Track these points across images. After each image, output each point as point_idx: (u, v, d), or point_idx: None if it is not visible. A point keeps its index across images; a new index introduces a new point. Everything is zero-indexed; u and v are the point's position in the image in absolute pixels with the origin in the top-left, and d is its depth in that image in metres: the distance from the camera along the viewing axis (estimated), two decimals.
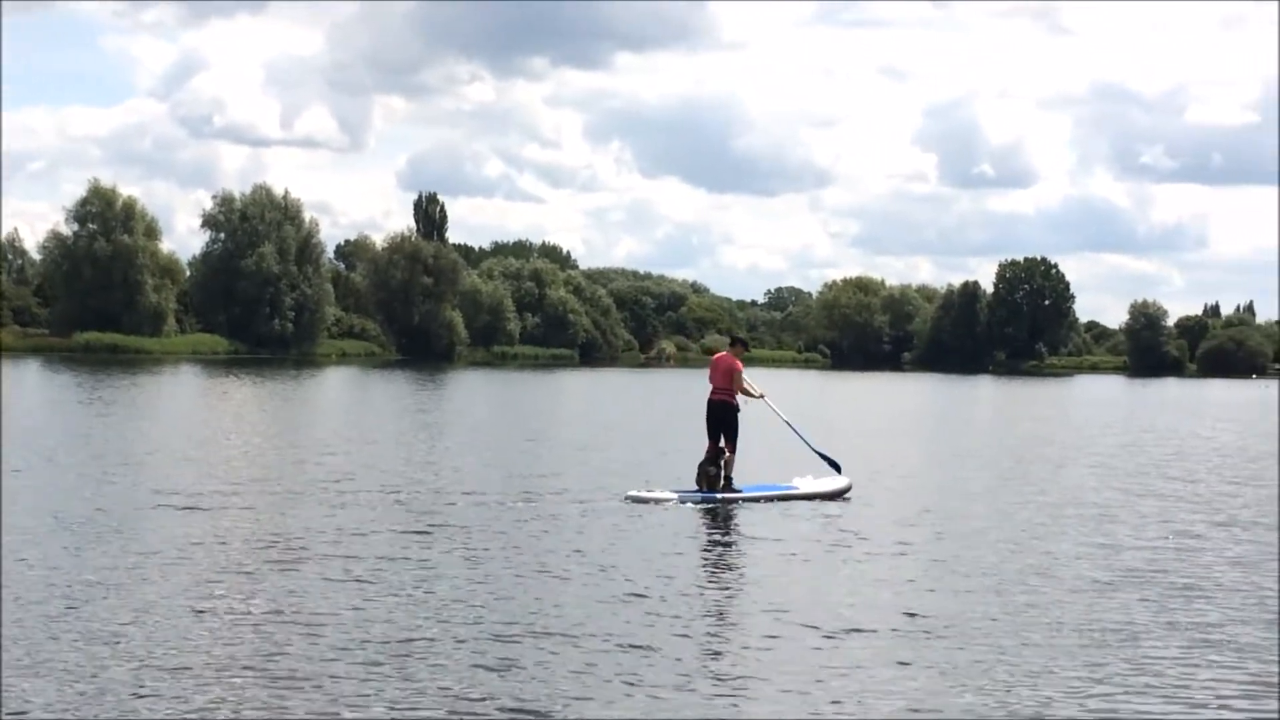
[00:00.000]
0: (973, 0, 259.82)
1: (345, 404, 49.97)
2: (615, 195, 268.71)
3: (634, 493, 20.49)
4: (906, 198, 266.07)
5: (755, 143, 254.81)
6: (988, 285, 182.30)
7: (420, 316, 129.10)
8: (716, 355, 22.12)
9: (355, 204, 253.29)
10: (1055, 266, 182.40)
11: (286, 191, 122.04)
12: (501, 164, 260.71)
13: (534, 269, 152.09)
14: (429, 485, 21.39)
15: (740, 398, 21.49)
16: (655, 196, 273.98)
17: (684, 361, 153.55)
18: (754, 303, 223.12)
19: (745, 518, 19.04)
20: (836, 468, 22.14)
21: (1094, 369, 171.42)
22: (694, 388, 78.24)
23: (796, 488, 21.48)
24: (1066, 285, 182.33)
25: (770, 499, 20.90)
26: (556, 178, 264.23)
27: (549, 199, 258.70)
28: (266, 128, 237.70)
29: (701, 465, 21.14)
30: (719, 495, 20.63)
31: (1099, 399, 75.78)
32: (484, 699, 9.59)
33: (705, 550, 16.37)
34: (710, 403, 21.47)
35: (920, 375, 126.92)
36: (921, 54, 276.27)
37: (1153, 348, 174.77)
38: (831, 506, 20.42)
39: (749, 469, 22.22)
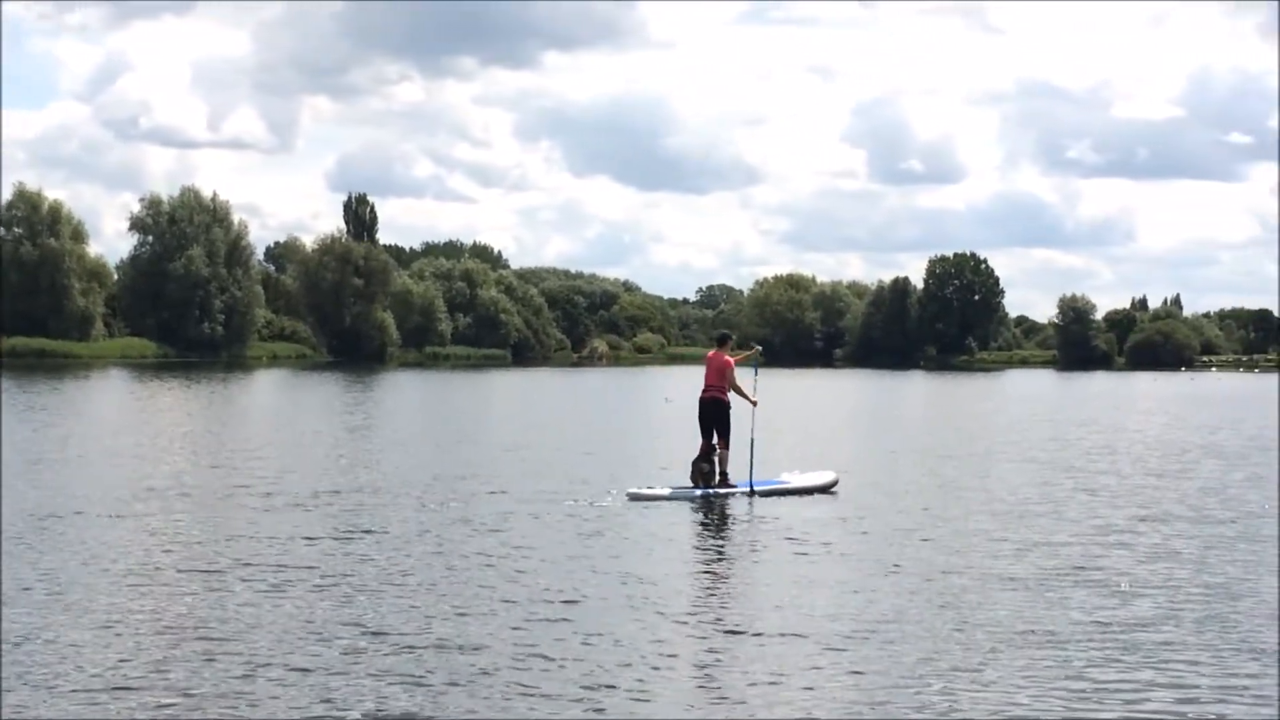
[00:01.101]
0: None
1: (274, 407, 49.57)
2: (546, 194, 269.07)
3: (634, 490, 20.85)
4: (836, 195, 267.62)
5: (685, 141, 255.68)
6: (918, 281, 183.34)
7: (351, 318, 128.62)
8: (710, 354, 22.30)
9: (284, 206, 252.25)
10: (985, 262, 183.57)
11: (215, 193, 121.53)
12: (431, 164, 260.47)
13: (465, 269, 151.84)
14: (352, 489, 21.21)
15: (731, 394, 21.82)
16: (586, 195, 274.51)
17: (616, 360, 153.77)
18: (685, 301, 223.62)
19: (728, 513, 19.36)
20: (751, 492, 21.37)
21: (1024, 363, 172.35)
22: (625, 385, 78.42)
23: (786, 482, 21.86)
24: (996, 280, 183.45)
25: (764, 494, 21.23)
26: (487, 177, 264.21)
27: (479, 199, 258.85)
28: (194, 130, 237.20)
29: (695, 462, 21.57)
30: (715, 490, 21.07)
31: (1030, 394, 76.17)
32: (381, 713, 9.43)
33: (628, 553, 16.21)
34: (702, 401, 21.82)
35: (852, 372, 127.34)
36: (850, 52, 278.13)
37: (1081, 342, 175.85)
38: (800, 505, 20.47)
39: (736, 466, 22.30)
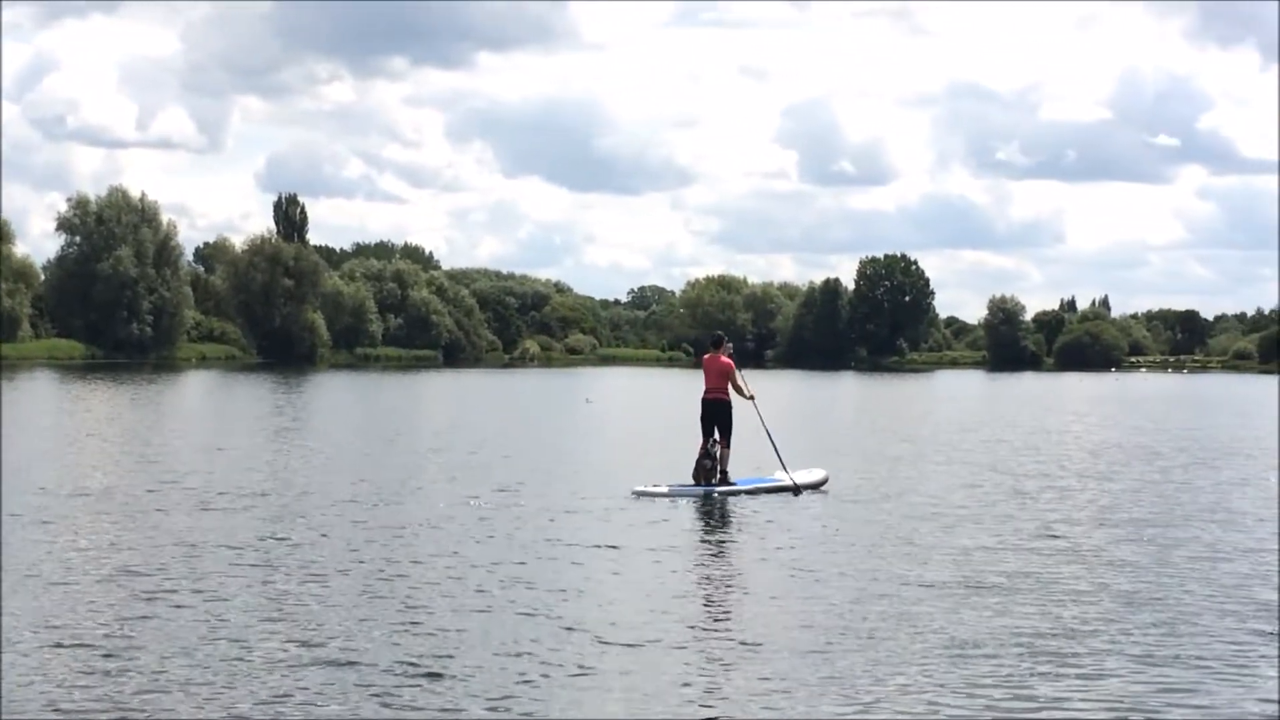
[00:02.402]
0: (831, 0, 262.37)
1: (201, 409, 49.26)
2: (477, 195, 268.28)
3: (639, 488, 21.64)
4: (768, 196, 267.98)
5: (617, 142, 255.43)
6: (849, 282, 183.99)
7: (281, 319, 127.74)
8: (707, 356, 23.14)
9: (214, 206, 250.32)
10: (915, 263, 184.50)
11: (143, 193, 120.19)
12: (362, 164, 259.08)
13: (396, 270, 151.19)
14: (276, 493, 21.15)
15: (732, 393, 22.62)
16: (517, 196, 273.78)
17: (548, 361, 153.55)
18: (617, 302, 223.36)
19: (701, 512, 19.12)
20: (796, 490, 22.19)
21: (954, 364, 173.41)
22: (551, 387, 78.33)
23: (781, 480, 22.55)
24: (926, 282, 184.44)
25: (762, 491, 22.11)
26: (418, 178, 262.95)
27: (410, 199, 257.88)
28: (122, 129, 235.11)
29: (698, 461, 22.29)
30: (716, 488, 21.85)
31: (960, 394, 76.71)
32: None
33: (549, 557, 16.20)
34: (705, 401, 22.68)
35: (783, 373, 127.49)
36: (781, 53, 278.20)
37: (1011, 343, 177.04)
38: (756, 505, 20.71)
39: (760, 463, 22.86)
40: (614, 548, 16.52)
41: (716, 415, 22.52)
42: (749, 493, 22.00)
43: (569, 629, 12.01)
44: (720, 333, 24.36)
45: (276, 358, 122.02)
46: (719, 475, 22.18)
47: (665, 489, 21.65)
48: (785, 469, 22.78)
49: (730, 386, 22.65)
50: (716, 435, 22.45)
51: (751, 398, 22.64)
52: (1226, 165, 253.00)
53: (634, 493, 21.44)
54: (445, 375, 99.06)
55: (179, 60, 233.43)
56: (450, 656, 10.98)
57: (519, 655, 11.03)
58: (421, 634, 11.73)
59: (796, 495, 21.92)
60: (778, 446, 23.01)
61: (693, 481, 22.10)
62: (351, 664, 10.73)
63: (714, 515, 19.74)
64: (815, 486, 22.69)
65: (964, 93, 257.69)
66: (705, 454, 22.29)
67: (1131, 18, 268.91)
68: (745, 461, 23.59)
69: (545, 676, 10.44)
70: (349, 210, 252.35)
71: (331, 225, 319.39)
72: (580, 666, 10.76)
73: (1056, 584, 14.28)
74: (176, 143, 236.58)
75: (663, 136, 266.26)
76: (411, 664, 10.73)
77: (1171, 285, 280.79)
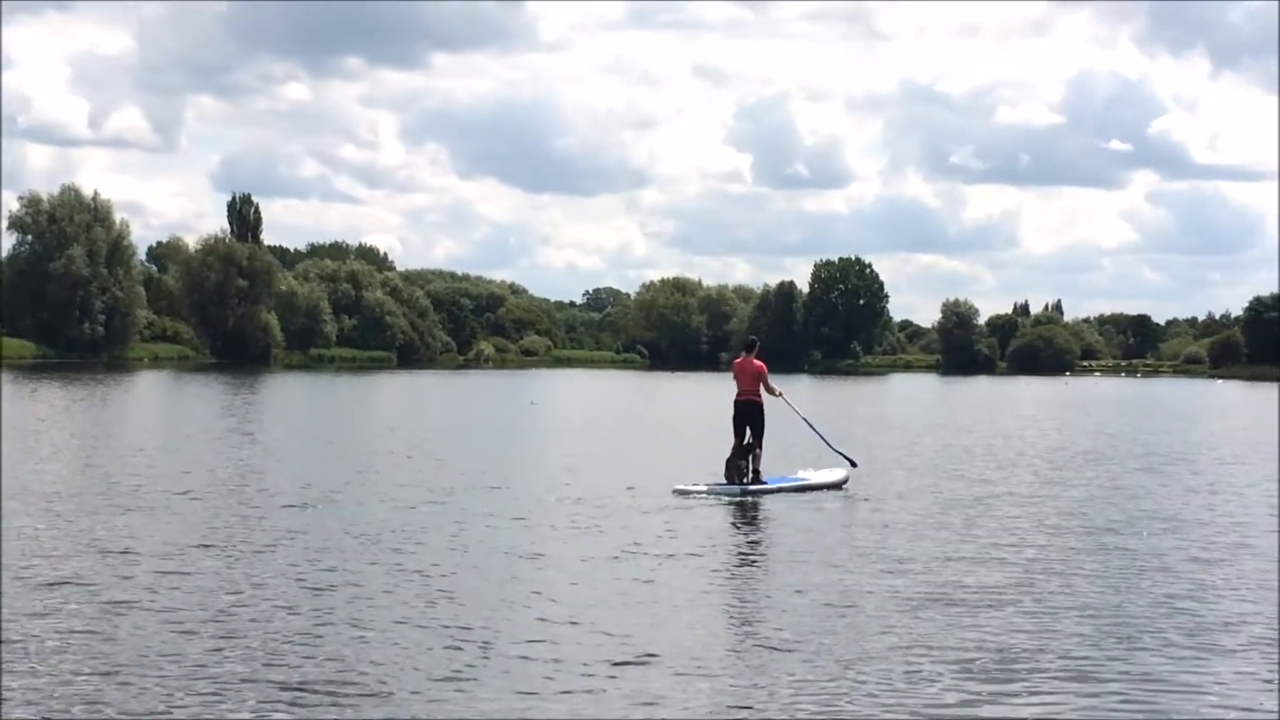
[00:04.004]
0: (786, 1, 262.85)
1: (151, 410, 48.98)
2: (432, 196, 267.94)
3: (680, 486, 22.56)
4: (722, 198, 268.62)
5: (572, 143, 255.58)
6: (803, 285, 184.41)
7: (235, 319, 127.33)
8: (738, 360, 24.04)
9: (167, 205, 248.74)
10: (869, 266, 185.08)
11: (96, 192, 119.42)
12: (317, 164, 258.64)
13: (350, 270, 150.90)
14: (220, 493, 21.09)
15: (765, 395, 23.60)
16: (473, 197, 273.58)
17: (502, 363, 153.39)
18: (572, 303, 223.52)
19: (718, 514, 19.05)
20: (852, 463, 24.72)
21: (908, 367, 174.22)
22: (502, 389, 78.15)
23: (806, 479, 23.77)
24: (880, 285, 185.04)
25: (791, 490, 23.09)
26: (373, 178, 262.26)
27: (365, 200, 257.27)
28: (75, 127, 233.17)
29: (730, 460, 23.21)
30: (751, 488, 22.73)
31: (913, 398, 76.95)
32: None
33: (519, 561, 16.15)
34: (738, 403, 23.55)
35: None
36: (736, 56, 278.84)
37: (964, 346, 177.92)
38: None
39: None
40: (539, 554, 16.44)
41: (749, 416, 23.37)
42: (782, 490, 22.95)
43: (486, 641, 11.98)
44: (753, 337, 25.42)
45: (230, 358, 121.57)
46: (752, 475, 23.05)
47: (704, 487, 22.50)
48: (836, 450, 24.97)
49: (762, 388, 23.49)
50: (749, 436, 23.32)
51: (779, 395, 23.75)
52: (1177, 170, 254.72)
53: (674, 491, 22.27)
54: (398, 377, 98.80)
55: (133, 58, 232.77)
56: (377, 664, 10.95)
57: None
58: (354, 645, 11.67)
59: (855, 466, 24.59)
60: (822, 433, 25.16)
61: (725, 480, 22.92)
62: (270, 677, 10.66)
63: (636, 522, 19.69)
64: (838, 486, 23.74)
65: (918, 96, 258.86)
66: (738, 454, 23.13)
67: (1083, 23, 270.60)
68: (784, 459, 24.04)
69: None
70: (303, 210, 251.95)
71: (286, 225, 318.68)
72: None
73: (1011, 596, 14.25)
74: (130, 141, 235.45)
75: (618, 138, 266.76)
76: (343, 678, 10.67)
77: (1123, 289, 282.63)
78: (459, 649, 11.47)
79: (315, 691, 10.19)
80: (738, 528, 19.20)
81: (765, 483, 23.09)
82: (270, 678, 10.50)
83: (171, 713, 9.67)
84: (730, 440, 23.55)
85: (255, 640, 11.64)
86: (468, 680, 10.57)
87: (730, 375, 24.42)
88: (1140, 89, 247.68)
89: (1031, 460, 31.35)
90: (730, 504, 21.42)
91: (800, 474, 24.22)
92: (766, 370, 23.75)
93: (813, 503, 21.80)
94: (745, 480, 22.95)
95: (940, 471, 27.73)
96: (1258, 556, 17.07)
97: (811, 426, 25.19)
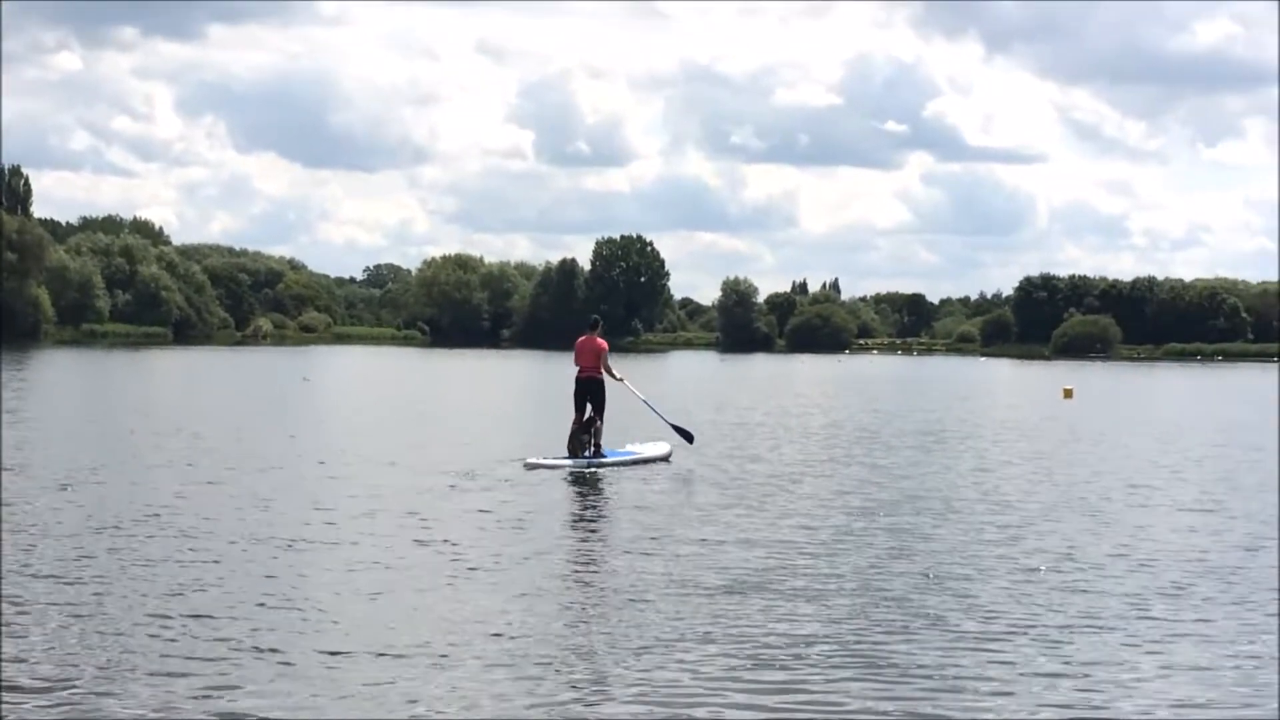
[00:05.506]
0: None
1: None
2: (209, 170, 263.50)
3: (532, 460, 23.42)
4: (504, 175, 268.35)
5: (352, 118, 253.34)
6: (585, 263, 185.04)
7: (3, 294, 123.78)
8: (581, 339, 25.13)
9: None
10: (650, 244, 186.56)
11: None
12: (89, 136, 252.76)
13: (125, 245, 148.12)
14: None
15: (605, 375, 24.86)
16: (251, 171, 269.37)
17: (280, 340, 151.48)
18: (353, 280, 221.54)
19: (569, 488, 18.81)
20: (689, 437, 26.04)
21: (688, 345, 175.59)
22: (275, 365, 77.01)
23: (636, 454, 25.14)
24: (661, 263, 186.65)
25: (625, 464, 24.26)
26: (147, 151, 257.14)
27: (140, 173, 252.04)
28: None
29: (573, 434, 24.21)
30: (592, 460, 23.86)
31: (694, 375, 77.53)
32: None
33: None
34: (579, 380, 24.73)
35: (520, 353, 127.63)
36: (518, 32, 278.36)
37: (744, 324, 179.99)
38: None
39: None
40: (291, 541, 16.23)
41: (590, 392, 24.57)
42: (619, 464, 24.06)
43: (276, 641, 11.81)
44: (596, 316, 26.66)
45: None
46: (593, 449, 24.11)
47: (551, 461, 23.39)
48: (673, 426, 26.19)
49: (602, 366, 24.72)
50: (589, 410, 24.44)
51: (621, 379, 24.96)
52: (951, 152, 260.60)
53: (526, 464, 23.05)
54: (173, 353, 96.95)
55: None
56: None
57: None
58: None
59: (691, 442, 25.90)
60: (659, 410, 26.65)
61: (567, 454, 23.86)
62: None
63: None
64: (665, 458, 25.16)
65: (698, 76, 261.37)
66: (581, 429, 24.14)
67: (861, 7, 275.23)
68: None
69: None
70: (75, 183, 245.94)
71: (57, 198, 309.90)
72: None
73: (790, 580, 14.19)
74: None
75: (399, 113, 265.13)
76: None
77: (899, 269, 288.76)
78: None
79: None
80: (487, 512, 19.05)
81: (604, 455, 24.19)
82: None
83: None
84: (571, 415, 24.58)
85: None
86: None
87: (572, 355, 25.32)
88: (915, 72, 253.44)
89: (806, 438, 31.69)
90: (565, 479, 22.14)
91: (629, 448, 25.47)
92: (608, 349, 25.13)
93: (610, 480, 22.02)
94: (588, 454, 23.92)
95: (728, 452, 27.91)
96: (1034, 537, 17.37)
97: (650, 406, 26.62)
